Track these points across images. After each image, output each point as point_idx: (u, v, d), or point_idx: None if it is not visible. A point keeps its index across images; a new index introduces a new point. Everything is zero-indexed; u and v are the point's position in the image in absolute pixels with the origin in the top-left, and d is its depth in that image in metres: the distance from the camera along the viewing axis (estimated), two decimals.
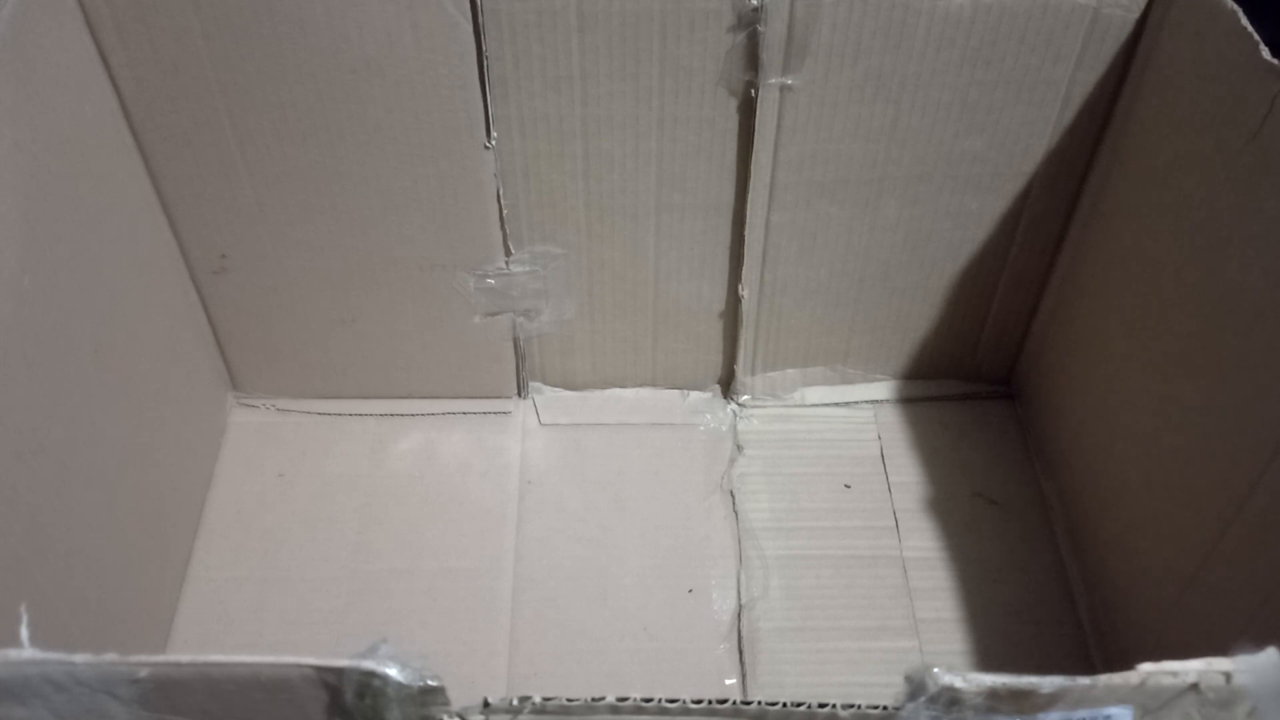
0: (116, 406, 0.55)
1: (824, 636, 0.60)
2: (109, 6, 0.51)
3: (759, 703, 0.30)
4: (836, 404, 0.71)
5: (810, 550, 0.63)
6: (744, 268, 0.63)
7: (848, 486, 0.67)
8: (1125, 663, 0.29)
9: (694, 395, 0.71)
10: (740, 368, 0.69)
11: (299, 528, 0.64)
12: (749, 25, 0.53)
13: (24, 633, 0.30)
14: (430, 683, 0.29)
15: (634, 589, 0.62)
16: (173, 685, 0.29)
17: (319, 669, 0.29)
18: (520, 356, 0.68)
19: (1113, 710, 0.29)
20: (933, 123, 0.56)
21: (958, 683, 0.28)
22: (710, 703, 0.30)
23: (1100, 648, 0.59)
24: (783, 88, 0.55)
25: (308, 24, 0.51)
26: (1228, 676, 0.28)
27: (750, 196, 0.59)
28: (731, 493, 0.66)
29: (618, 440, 0.69)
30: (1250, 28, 0.46)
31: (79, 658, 0.29)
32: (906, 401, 0.70)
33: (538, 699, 0.30)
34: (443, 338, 0.66)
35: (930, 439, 0.69)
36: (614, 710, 0.30)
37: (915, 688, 0.29)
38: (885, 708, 0.30)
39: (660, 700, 0.30)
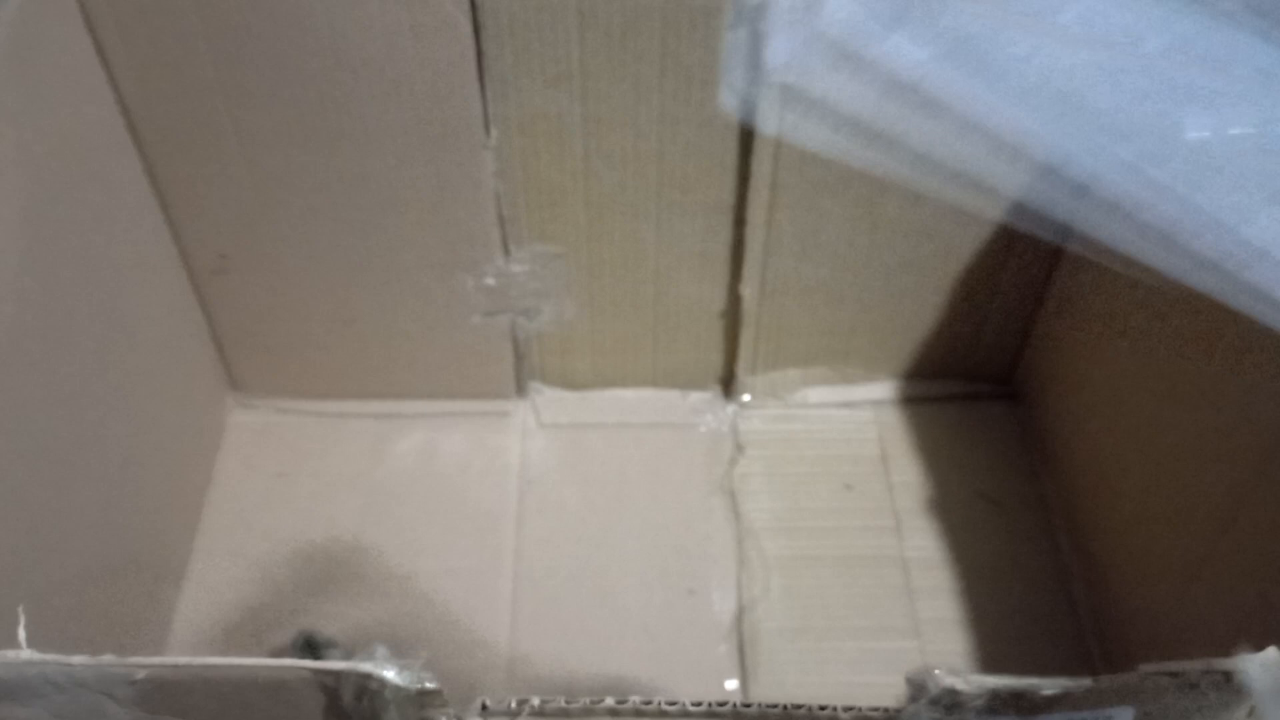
0: (116, 406, 0.55)
1: (825, 637, 0.60)
2: (109, 6, 0.51)
3: (759, 704, 0.30)
4: (838, 404, 0.70)
5: (811, 551, 0.63)
6: (745, 267, 0.63)
7: (849, 487, 0.66)
8: (1125, 663, 0.29)
9: (694, 395, 0.71)
10: (741, 367, 0.69)
11: (298, 528, 0.64)
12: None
13: (22, 633, 0.30)
14: (428, 685, 0.29)
15: (634, 589, 0.62)
16: (171, 686, 0.29)
17: (316, 671, 0.29)
18: (520, 356, 0.68)
19: (1114, 711, 0.29)
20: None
21: (959, 684, 0.28)
22: (710, 705, 0.30)
23: (1100, 648, 0.59)
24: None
25: (307, 24, 0.51)
26: (1228, 676, 0.28)
27: (751, 195, 0.59)
28: (732, 493, 0.66)
29: (618, 440, 0.69)
30: None
31: (77, 659, 0.29)
32: (908, 401, 0.70)
33: (536, 701, 0.30)
34: (443, 338, 0.66)
35: (931, 439, 0.69)
36: (613, 713, 0.30)
37: (916, 689, 0.29)
38: (886, 709, 0.30)
39: (660, 702, 0.30)
